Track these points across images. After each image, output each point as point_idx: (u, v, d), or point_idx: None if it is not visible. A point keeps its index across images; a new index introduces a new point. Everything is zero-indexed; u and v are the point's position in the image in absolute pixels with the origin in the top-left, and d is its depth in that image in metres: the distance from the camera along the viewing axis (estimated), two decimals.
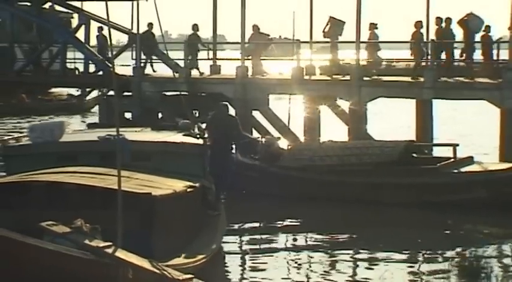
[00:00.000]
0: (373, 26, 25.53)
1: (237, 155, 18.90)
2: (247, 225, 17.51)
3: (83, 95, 45.05)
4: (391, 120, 34.61)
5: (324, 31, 26.05)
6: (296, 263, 14.74)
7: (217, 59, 28.65)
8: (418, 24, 24.82)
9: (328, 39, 26.17)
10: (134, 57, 28.10)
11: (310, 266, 14.53)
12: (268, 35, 27.71)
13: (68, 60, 32.19)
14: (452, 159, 19.92)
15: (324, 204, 18.72)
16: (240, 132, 17.42)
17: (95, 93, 44.58)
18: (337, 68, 26.15)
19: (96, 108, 42.17)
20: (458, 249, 15.76)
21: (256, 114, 26.02)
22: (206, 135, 16.20)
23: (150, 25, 28.00)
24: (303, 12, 27.44)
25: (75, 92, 45.92)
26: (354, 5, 24.75)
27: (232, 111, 25.72)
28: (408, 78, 24.51)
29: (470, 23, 24.70)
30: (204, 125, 17.80)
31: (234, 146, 17.89)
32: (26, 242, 9.52)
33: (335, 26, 25.88)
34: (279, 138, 22.27)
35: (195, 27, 27.63)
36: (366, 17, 25.33)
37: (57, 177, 12.35)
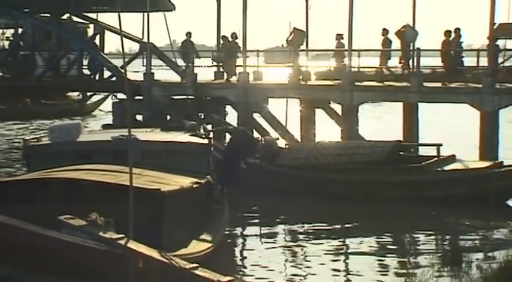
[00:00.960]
0: (339, 37, 26.02)
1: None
2: (248, 218, 17.51)
3: (84, 99, 44.95)
4: (384, 121, 34.62)
5: (287, 40, 26.18)
6: (292, 252, 14.80)
7: (220, 65, 28.59)
8: (448, 33, 24.54)
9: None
10: (144, 64, 28.04)
11: (305, 255, 14.57)
12: (237, 43, 27.60)
13: (84, 67, 32.16)
14: (436, 158, 19.97)
15: (319, 199, 18.71)
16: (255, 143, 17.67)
17: (95, 98, 44.59)
18: (297, 74, 26.26)
19: (96, 112, 42.68)
20: (442, 240, 15.80)
21: (257, 116, 25.99)
22: (221, 134, 16.16)
23: (189, 34, 27.89)
24: (300, 22, 27.45)
25: (76, 96, 45.93)
26: (346, 15, 24.80)
27: (234, 113, 25.91)
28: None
29: (406, 34, 24.76)
30: (219, 127, 17.76)
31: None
32: (45, 234, 9.53)
33: (297, 35, 26.01)
34: (277, 138, 22.26)
35: (234, 35, 27.23)
36: (359, 26, 25.37)
37: (75, 174, 12.36)
